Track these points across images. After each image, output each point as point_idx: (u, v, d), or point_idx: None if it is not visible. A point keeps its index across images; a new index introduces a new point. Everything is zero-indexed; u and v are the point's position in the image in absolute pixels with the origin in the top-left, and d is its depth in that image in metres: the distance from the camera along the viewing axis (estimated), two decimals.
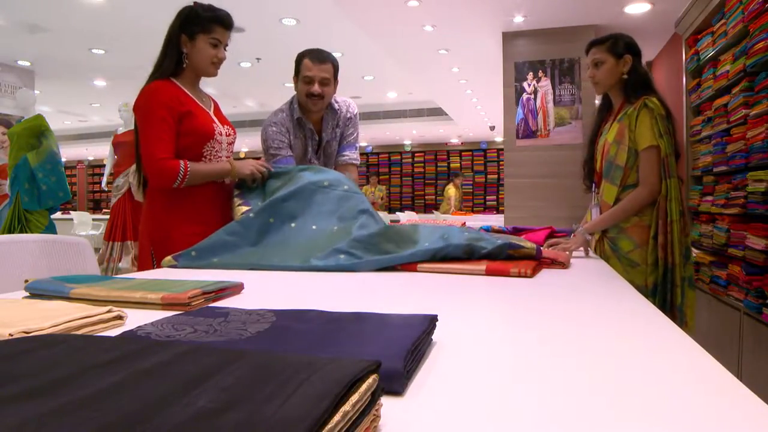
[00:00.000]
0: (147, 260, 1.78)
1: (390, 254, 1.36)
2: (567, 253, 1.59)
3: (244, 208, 1.70)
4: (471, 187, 14.05)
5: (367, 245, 1.39)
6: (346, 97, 2.28)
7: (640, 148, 1.82)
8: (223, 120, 1.89)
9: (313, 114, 2.14)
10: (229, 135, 1.88)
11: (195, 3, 1.80)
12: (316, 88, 2.05)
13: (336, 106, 2.20)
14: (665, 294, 1.76)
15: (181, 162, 1.70)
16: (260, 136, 2.17)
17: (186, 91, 1.79)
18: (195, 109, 1.77)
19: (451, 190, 9.28)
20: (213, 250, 1.44)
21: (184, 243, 1.68)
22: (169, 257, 1.44)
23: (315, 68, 2.05)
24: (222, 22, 1.78)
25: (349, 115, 2.23)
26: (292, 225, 1.53)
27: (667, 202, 1.77)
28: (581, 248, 1.76)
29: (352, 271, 1.33)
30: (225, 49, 1.84)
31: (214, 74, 1.84)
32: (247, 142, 13.09)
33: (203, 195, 1.78)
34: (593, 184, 2.08)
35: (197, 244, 1.46)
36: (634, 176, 1.86)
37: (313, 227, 1.52)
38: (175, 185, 1.71)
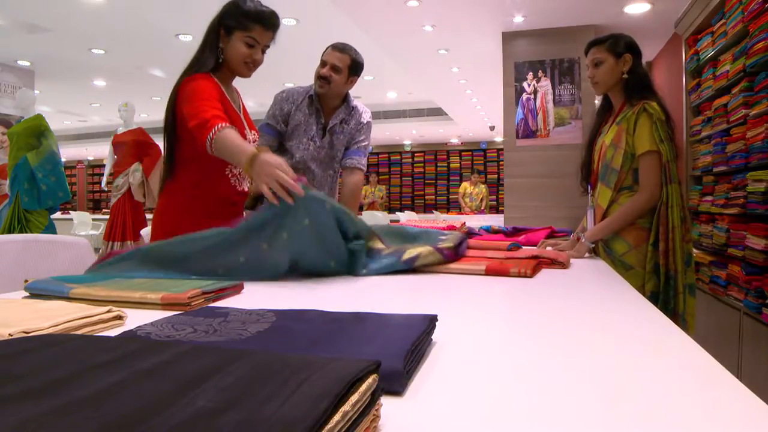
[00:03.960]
0: None
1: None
2: (566, 253, 1.59)
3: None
4: None
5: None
6: (362, 105, 2.34)
7: (638, 153, 1.81)
8: (250, 123, 1.84)
9: (325, 100, 2.21)
10: (255, 141, 1.85)
11: None
12: (325, 70, 2.15)
13: (353, 104, 2.28)
14: (667, 302, 1.74)
15: (224, 123, 1.47)
16: None
17: (223, 90, 1.71)
18: (230, 114, 1.68)
19: (467, 188, 9.29)
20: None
21: None
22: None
23: (331, 54, 2.18)
24: (263, 20, 1.64)
25: (363, 120, 2.30)
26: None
27: (668, 208, 1.76)
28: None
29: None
30: (264, 52, 1.70)
31: (247, 75, 1.72)
32: None
33: (222, 198, 1.77)
34: (589, 186, 2.07)
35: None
36: (629, 180, 1.85)
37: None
38: (206, 144, 1.48)
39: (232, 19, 1.64)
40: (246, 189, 1.84)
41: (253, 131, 1.84)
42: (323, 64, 2.17)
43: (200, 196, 1.73)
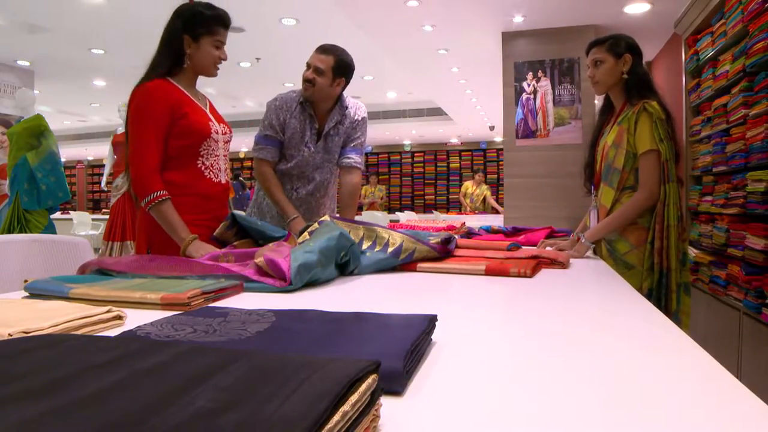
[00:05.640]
0: None
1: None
2: (566, 253, 1.60)
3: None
4: None
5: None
6: (357, 101, 2.31)
7: (639, 152, 1.81)
8: (219, 118, 1.89)
9: (316, 104, 2.18)
10: (225, 133, 1.88)
11: (193, 1, 1.78)
12: (307, 73, 2.12)
13: (346, 103, 2.24)
14: (660, 299, 1.75)
15: (163, 191, 1.66)
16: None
17: (182, 89, 1.78)
18: (192, 109, 1.76)
19: (469, 188, 9.29)
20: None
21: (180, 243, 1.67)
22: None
23: (314, 56, 2.14)
24: (224, 22, 1.77)
25: (357, 117, 2.26)
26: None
27: (665, 207, 1.77)
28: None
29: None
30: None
31: (216, 75, 1.84)
32: (247, 143, 13.08)
33: (202, 194, 1.78)
34: (593, 187, 2.08)
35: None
36: (631, 179, 1.86)
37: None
38: (141, 203, 1.67)
39: (200, 26, 1.73)
40: (223, 181, 1.84)
41: (222, 124, 1.86)
42: (307, 66, 2.14)
43: (178, 193, 1.73)
